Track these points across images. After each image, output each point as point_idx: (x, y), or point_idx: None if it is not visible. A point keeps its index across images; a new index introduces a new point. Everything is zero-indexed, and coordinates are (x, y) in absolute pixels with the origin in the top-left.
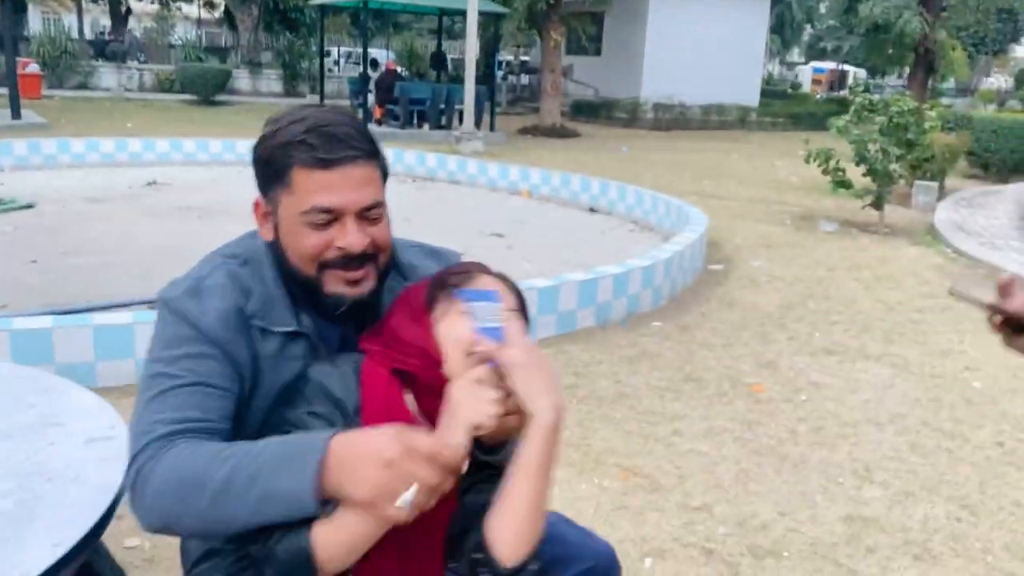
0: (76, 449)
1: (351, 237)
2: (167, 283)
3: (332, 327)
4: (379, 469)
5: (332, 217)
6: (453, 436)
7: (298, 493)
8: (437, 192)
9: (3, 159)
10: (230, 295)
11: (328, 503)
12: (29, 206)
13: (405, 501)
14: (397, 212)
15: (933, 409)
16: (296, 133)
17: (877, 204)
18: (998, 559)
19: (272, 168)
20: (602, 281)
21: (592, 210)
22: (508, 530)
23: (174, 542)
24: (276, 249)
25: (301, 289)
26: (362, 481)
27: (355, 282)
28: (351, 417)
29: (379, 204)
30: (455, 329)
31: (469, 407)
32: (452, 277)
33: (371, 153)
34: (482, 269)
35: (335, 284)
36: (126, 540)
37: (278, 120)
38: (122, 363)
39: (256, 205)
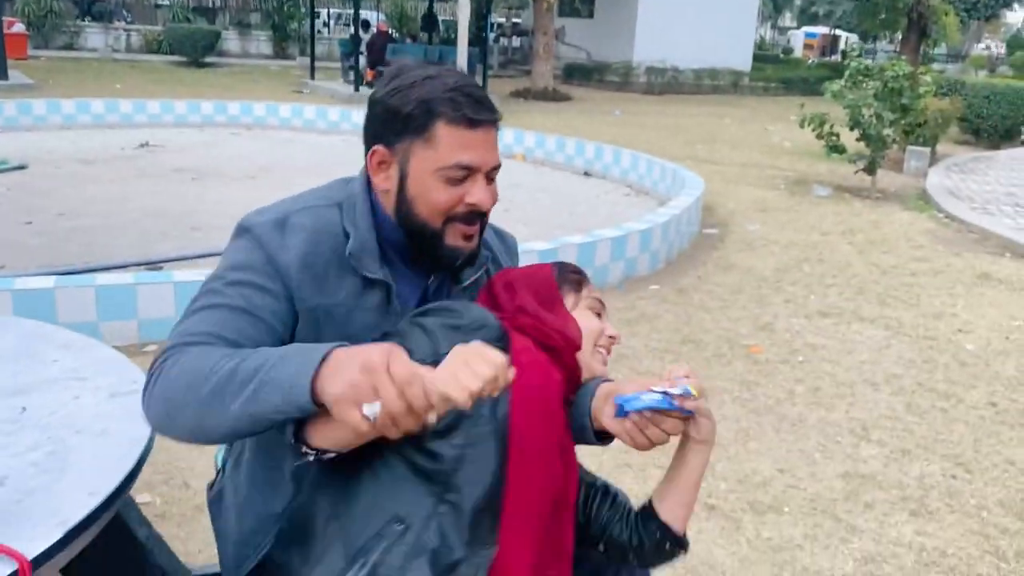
0: (102, 403)
1: (483, 195)
2: (253, 209)
3: (413, 284)
4: (357, 371)
5: (467, 174)
6: (430, 383)
7: (294, 379)
8: None
9: None
10: (314, 238)
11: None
12: (21, 167)
13: (371, 411)
14: None
15: (927, 370)
16: (443, 89)
17: (870, 169)
18: (992, 514)
19: (411, 120)
20: (600, 244)
21: (587, 174)
22: (685, 507)
23: (184, 496)
24: (399, 199)
25: (419, 239)
26: (341, 378)
27: (470, 237)
28: None
29: (500, 166)
30: (585, 320)
31: (458, 376)
32: (573, 274)
33: (499, 119)
34: (580, 271)
35: (455, 238)
36: (138, 496)
37: (403, 74)
38: (125, 324)
39: (374, 153)
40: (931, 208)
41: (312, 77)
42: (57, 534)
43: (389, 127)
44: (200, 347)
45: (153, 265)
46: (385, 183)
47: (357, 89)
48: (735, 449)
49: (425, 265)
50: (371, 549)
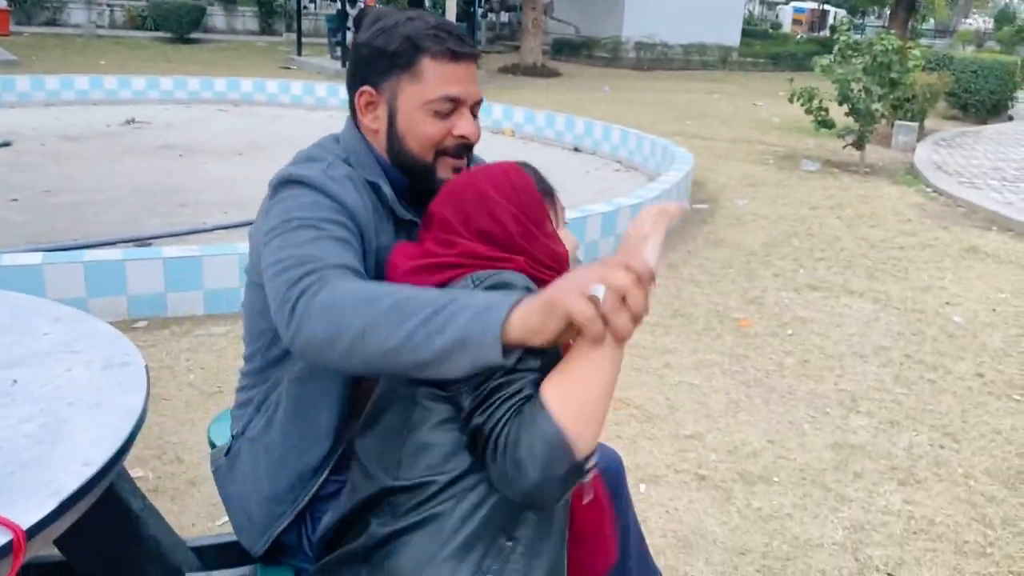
0: (95, 375)
1: (470, 126)
2: (285, 166)
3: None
4: (577, 277)
5: (454, 107)
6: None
7: (489, 303)
8: None
9: None
10: (355, 186)
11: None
12: (6, 144)
13: (598, 290)
14: None
15: (916, 342)
16: (425, 27)
17: (858, 144)
18: (979, 483)
19: (397, 57)
20: (590, 220)
21: (576, 150)
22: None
23: (177, 471)
24: (389, 137)
25: (411, 175)
26: (551, 291)
27: (459, 170)
28: None
29: (482, 101)
30: (564, 236)
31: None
32: (542, 182)
33: (479, 54)
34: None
35: (446, 170)
36: (131, 471)
37: (385, 17)
38: (114, 299)
39: (361, 94)
40: (919, 182)
41: (299, 53)
42: (51, 504)
43: (375, 67)
44: (348, 276)
45: (142, 241)
46: (374, 123)
47: (344, 65)
48: (725, 421)
49: (424, 201)
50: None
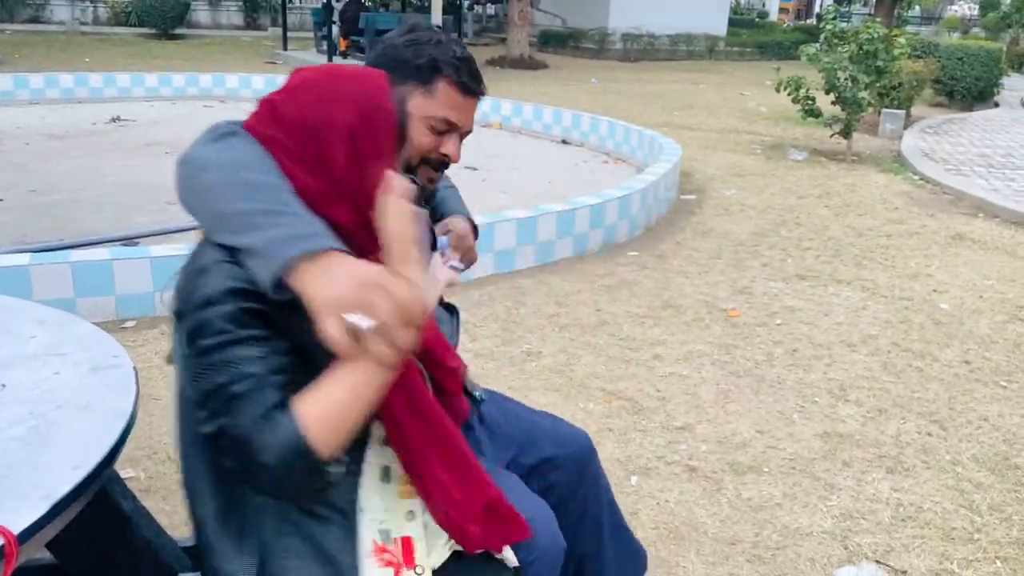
0: (83, 377)
1: (456, 150)
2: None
3: None
4: (353, 282)
5: (447, 129)
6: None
7: (281, 245)
8: None
9: None
10: None
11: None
12: None
13: (360, 321)
14: None
15: (903, 330)
16: (454, 54)
17: (846, 132)
18: (967, 469)
19: (419, 71)
20: (579, 212)
21: (564, 142)
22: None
23: (168, 471)
24: None
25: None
26: (331, 284)
27: (432, 180)
28: None
29: (471, 132)
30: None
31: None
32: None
33: (484, 94)
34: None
35: (423, 178)
36: (122, 471)
37: (419, 31)
38: (102, 299)
39: None
40: (906, 170)
41: (284, 48)
42: (42, 508)
43: (397, 70)
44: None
45: (129, 240)
46: None
47: (330, 59)
48: (715, 412)
49: None
50: None
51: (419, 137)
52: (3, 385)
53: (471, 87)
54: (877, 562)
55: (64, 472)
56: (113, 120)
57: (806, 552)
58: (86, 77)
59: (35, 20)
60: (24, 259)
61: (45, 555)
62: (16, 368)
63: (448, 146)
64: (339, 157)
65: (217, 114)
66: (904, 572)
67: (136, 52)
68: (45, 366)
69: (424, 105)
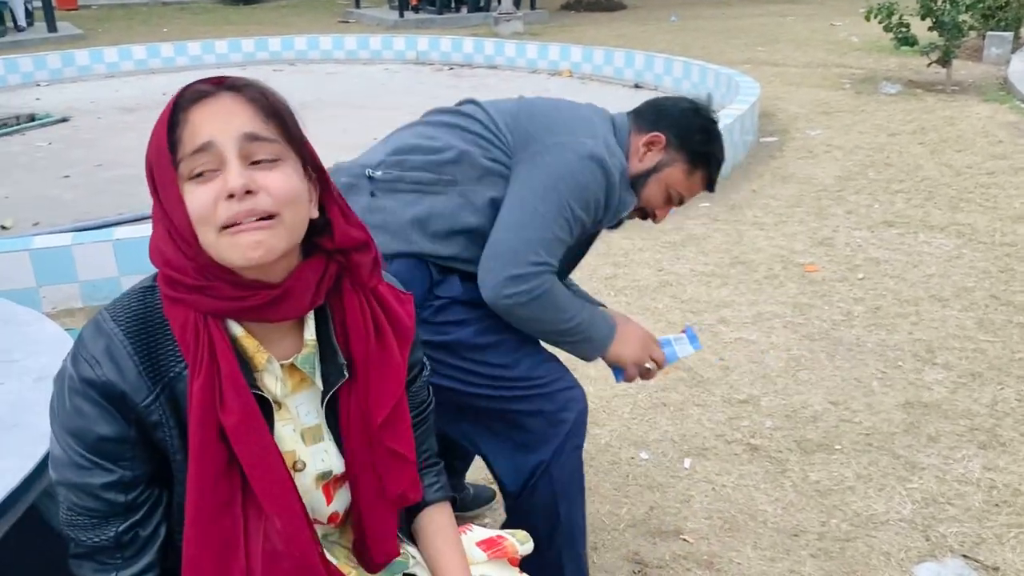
0: (24, 388)
1: (665, 217)
2: (582, 137)
3: None
4: (639, 348)
5: (678, 203)
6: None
7: (604, 341)
8: (475, 79)
9: (38, 73)
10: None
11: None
12: (63, 120)
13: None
14: (433, 103)
15: (1004, 281)
16: (721, 159)
17: (944, 60)
18: None
19: (697, 156)
20: None
21: (637, 86)
22: None
23: None
24: (640, 175)
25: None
26: (629, 349)
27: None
28: None
29: None
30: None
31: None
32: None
33: None
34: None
35: (629, 216)
36: None
37: (716, 122)
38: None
39: (657, 136)
40: (1013, 98)
41: (357, 5)
42: None
43: (679, 138)
44: (554, 277)
45: None
46: (642, 156)
47: (402, 15)
48: (783, 381)
49: None
50: None
51: (657, 196)
52: None
53: (714, 186)
54: (964, 556)
55: None
56: None
57: (880, 544)
58: (159, 48)
59: None
60: (67, 239)
61: None
62: None
63: (664, 211)
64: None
65: (285, 78)
66: (996, 569)
67: (213, 19)
68: None
69: (680, 180)
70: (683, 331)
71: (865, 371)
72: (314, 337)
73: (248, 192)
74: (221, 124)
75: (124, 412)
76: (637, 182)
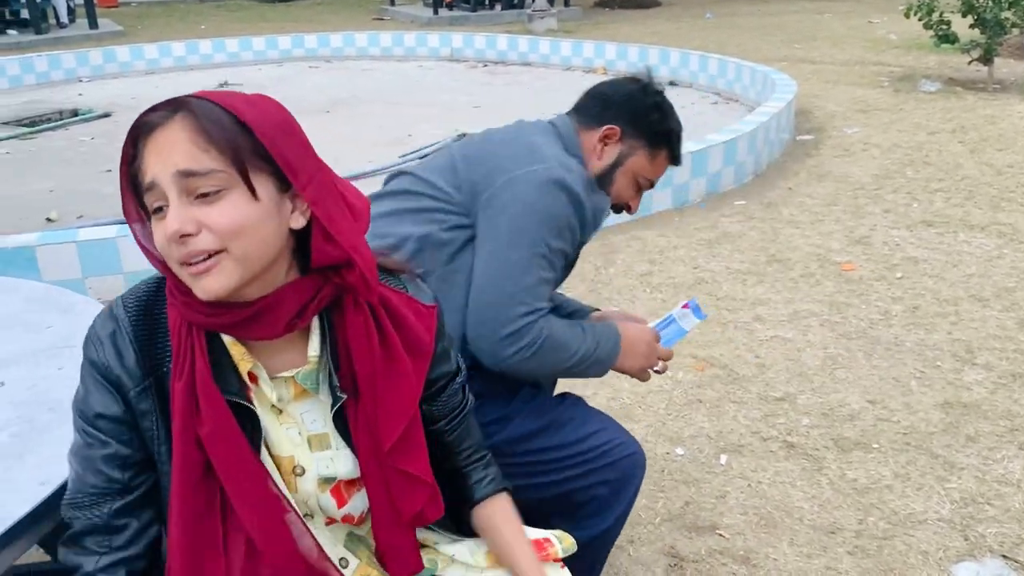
0: None
1: (638, 204)
2: (550, 164)
3: None
4: (643, 356)
5: (646, 187)
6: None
7: (610, 359)
8: (509, 76)
9: (80, 69)
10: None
11: None
12: (105, 115)
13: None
14: (467, 100)
15: None
16: (680, 131)
17: (985, 58)
18: None
19: (655, 136)
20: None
21: (672, 83)
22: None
23: None
24: (605, 172)
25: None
26: (634, 360)
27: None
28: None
29: None
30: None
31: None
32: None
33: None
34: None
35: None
36: None
37: (665, 99)
38: None
39: (610, 130)
40: None
41: (392, 3)
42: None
43: (633, 125)
44: (548, 318)
45: None
46: (599, 153)
47: (436, 12)
48: (820, 380)
49: None
50: None
51: (626, 188)
52: (2, 383)
53: (680, 160)
54: (1004, 556)
55: (29, 488)
56: (221, 85)
57: (918, 543)
58: (197, 44)
59: None
60: (112, 231)
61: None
62: (20, 364)
63: (636, 200)
64: None
65: (320, 75)
66: None
67: (249, 16)
68: (50, 360)
69: (645, 166)
70: (686, 304)
71: (903, 370)
72: (317, 353)
73: (186, 235)
74: (162, 162)
75: (120, 395)
76: (603, 180)
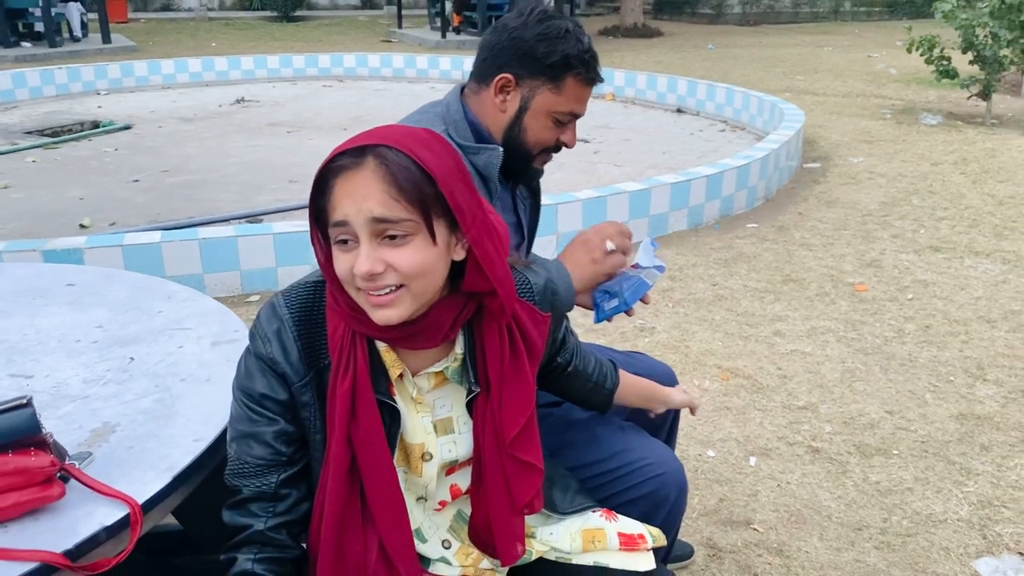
0: (205, 351)
1: (573, 138)
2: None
3: (506, 190)
4: (585, 250)
5: (570, 120)
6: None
7: (570, 294)
8: None
9: (99, 82)
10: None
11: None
12: (127, 127)
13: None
14: None
15: None
16: (582, 48)
17: (985, 93)
18: None
19: (550, 69)
20: (694, 183)
21: (679, 111)
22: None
23: None
24: (512, 124)
25: (512, 158)
26: (585, 264)
27: (546, 162)
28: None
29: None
30: None
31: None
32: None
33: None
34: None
35: (540, 163)
36: None
37: (550, 22)
38: (228, 275)
39: (501, 78)
40: None
41: (399, 26)
42: (165, 480)
43: (524, 63)
44: None
45: (253, 218)
46: (502, 106)
47: (444, 36)
48: (840, 391)
49: (509, 176)
50: None
51: (542, 131)
52: (131, 358)
53: (597, 80)
54: (1021, 554)
55: (186, 444)
56: (237, 102)
57: (940, 540)
58: (212, 61)
59: (167, 8)
60: (156, 236)
61: (172, 521)
62: (144, 342)
63: (568, 135)
64: None
65: (336, 94)
66: None
67: (259, 35)
68: (171, 340)
69: (552, 101)
70: (635, 264)
71: (918, 384)
72: (463, 351)
73: (375, 273)
74: (355, 204)
75: (285, 384)
76: (513, 131)
